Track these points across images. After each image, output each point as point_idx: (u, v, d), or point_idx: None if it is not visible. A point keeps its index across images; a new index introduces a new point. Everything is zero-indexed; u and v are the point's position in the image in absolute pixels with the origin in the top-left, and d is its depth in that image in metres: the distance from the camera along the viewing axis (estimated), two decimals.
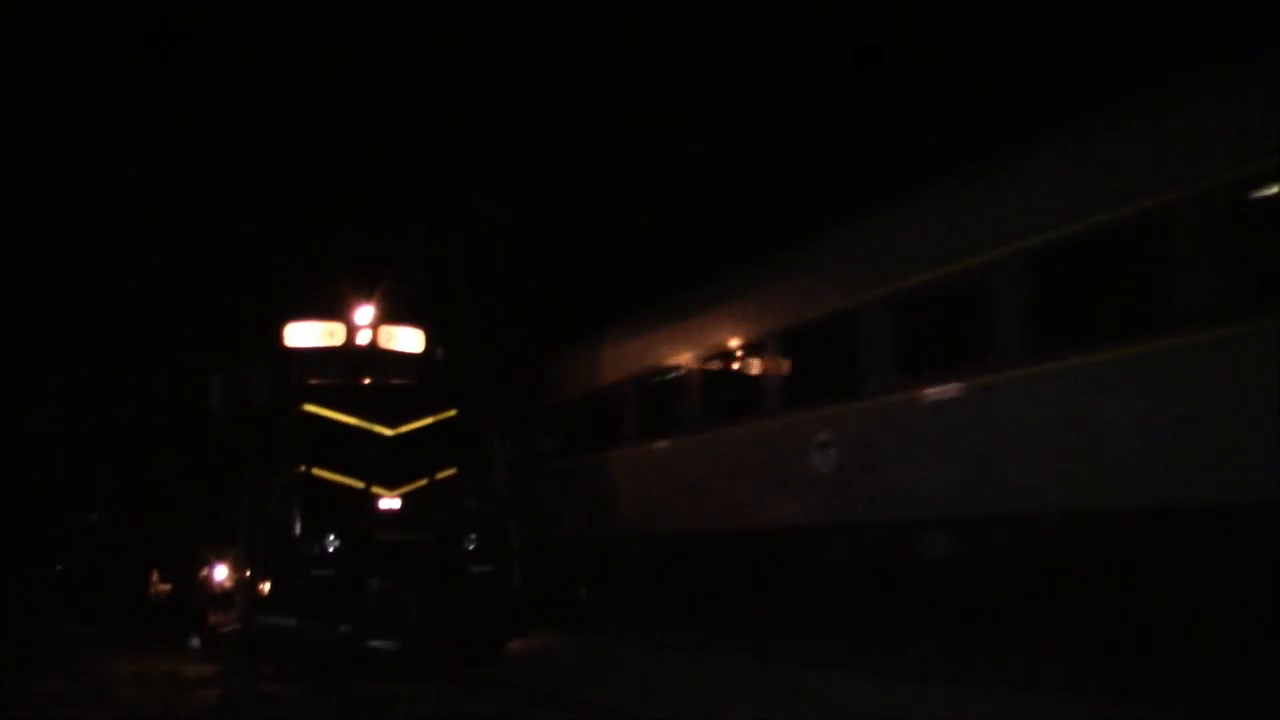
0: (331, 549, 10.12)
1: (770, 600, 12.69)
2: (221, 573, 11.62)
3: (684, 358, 14.32)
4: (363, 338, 11.94)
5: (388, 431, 10.97)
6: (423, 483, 10.77)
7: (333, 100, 32.06)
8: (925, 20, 23.04)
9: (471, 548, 10.63)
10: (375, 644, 9.85)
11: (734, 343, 13.42)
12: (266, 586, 10.28)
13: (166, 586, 14.24)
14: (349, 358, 11.88)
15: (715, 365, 13.81)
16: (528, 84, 31.78)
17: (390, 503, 10.55)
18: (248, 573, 10.65)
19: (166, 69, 30.03)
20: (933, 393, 10.33)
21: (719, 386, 13.81)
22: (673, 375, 14.60)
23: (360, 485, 10.48)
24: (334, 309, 11.94)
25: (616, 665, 10.33)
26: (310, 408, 11.03)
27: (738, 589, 13.29)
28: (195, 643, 12.49)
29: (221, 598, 11.55)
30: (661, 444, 14.74)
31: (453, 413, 11.59)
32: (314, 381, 11.52)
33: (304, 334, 11.85)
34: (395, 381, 12.10)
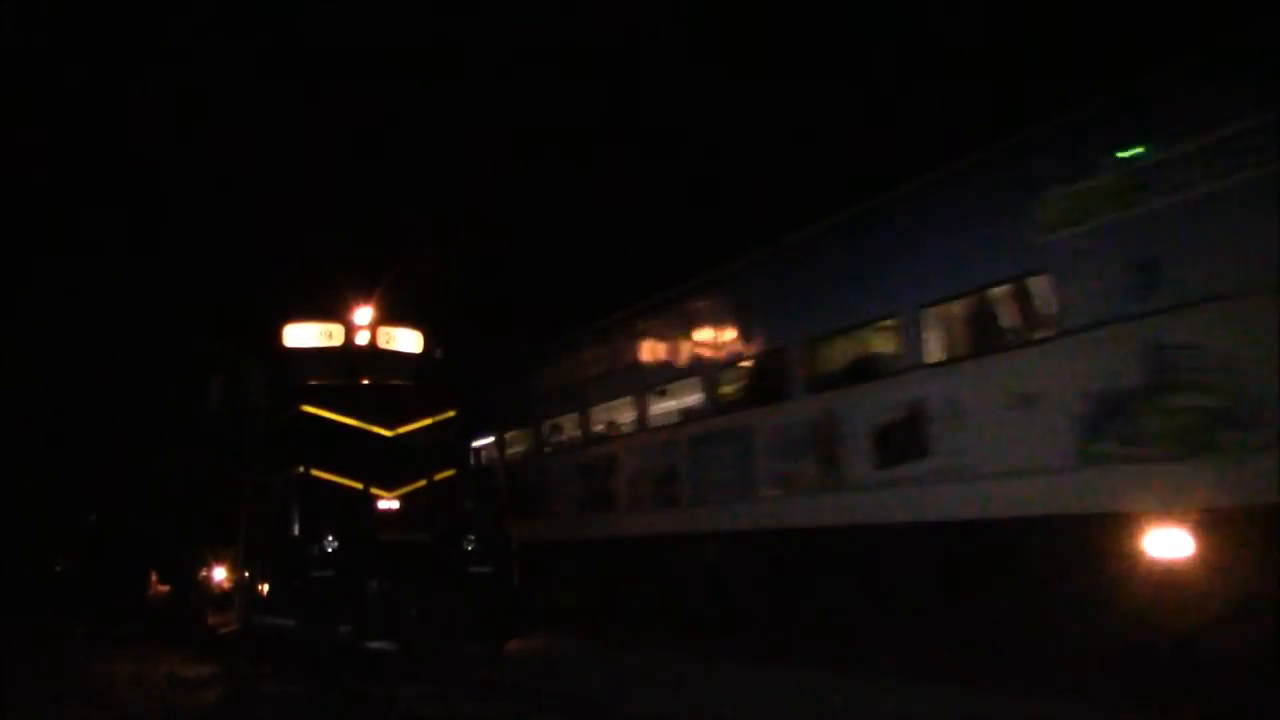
0: (331, 550, 10.13)
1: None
2: (220, 573, 11.63)
3: None
4: (361, 338, 11.95)
5: (386, 432, 10.99)
6: (421, 484, 10.78)
7: (334, 103, 32.12)
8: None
9: (470, 548, 10.64)
10: (375, 644, 9.86)
11: None
12: (266, 587, 10.30)
13: (165, 587, 14.25)
14: (347, 358, 11.88)
15: None
16: (527, 86, 31.85)
17: (389, 503, 10.56)
18: (247, 573, 10.67)
19: (168, 70, 30.10)
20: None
21: None
22: None
23: (359, 486, 10.49)
24: (333, 310, 11.95)
25: (616, 665, 10.34)
26: (309, 408, 11.04)
27: None
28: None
29: (220, 598, 11.56)
30: None
31: (451, 413, 11.60)
32: (313, 382, 11.52)
33: (303, 335, 11.85)
34: (394, 382, 12.11)
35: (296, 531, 10.26)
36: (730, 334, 12.96)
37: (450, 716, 8.20)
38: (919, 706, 7.57)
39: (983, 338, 9.73)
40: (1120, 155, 8.40)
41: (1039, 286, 9.11)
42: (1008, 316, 9.60)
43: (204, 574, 12.05)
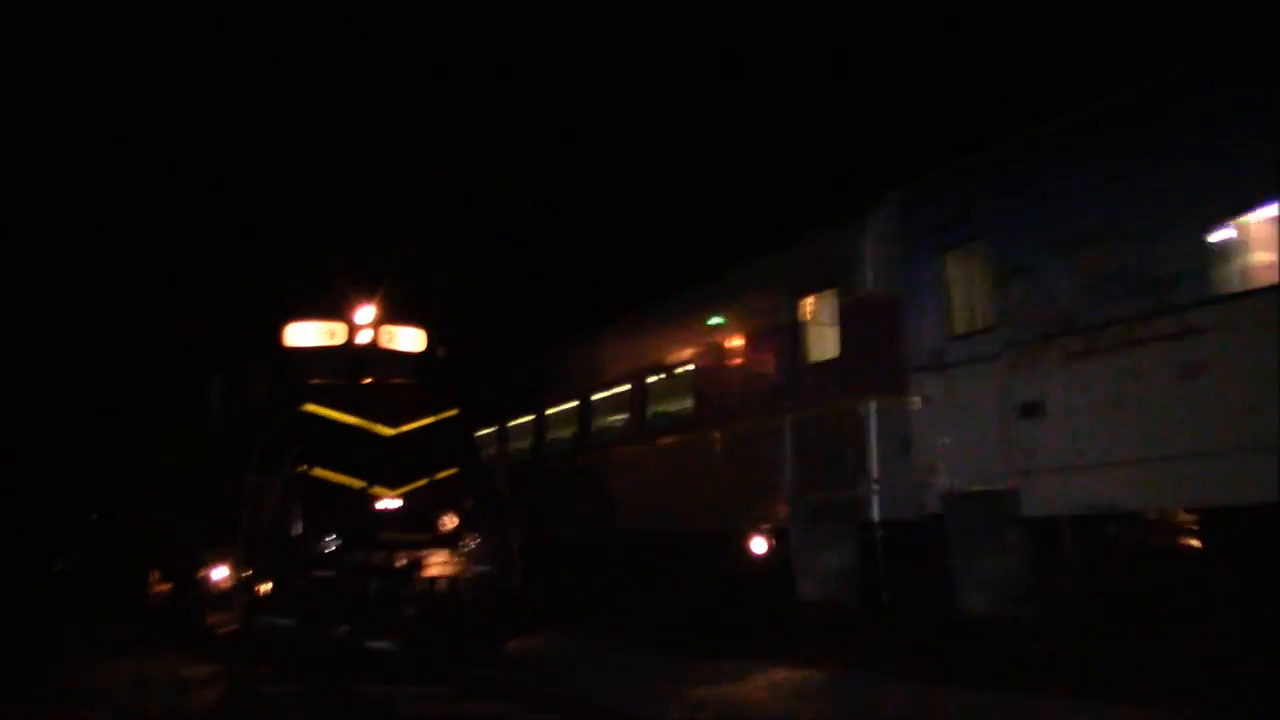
0: (331, 549, 10.10)
1: None
2: (221, 573, 11.59)
3: None
4: (363, 337, 11.92)
5: (388, 431, 10.96)
6: (423, 483, 10.75)
7: (334, 102, 32.12)
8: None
9: (471, 548, 10.62)
10: (375, 644, 9.83)
11: None
12: (266, 587, 10.26)
13: (166, 586, 14.22)
14: (349, 357, 11.85)
15: None
16: (526, 79, 31.87)
17: (390, 503, 10.54)
18: (247, 573, 10.63)
19: (167, 68, 30.10)
20: None
21: None
22: None
23: (360, 485, 10.46)
24: (334, 308, 11.92)
25: (616, 665, 10.31)
26: (310, 407, 11.01)
27: None
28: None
29: (221, 598, 11.52)
30: None
31: (453, 412, 11.57)
32: (314, 381, 11.49)
33: (304, 333, 11.82)
34: (396, 381, 12.08)
35: (297, 531, 10.23)
36: None
37: (450, 716, 8.18)
38: (917, 704, 7.53)
39: None
40: None
41: None
42: None
43: (204, 573, 12.00)
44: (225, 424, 12.26)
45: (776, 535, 11.04)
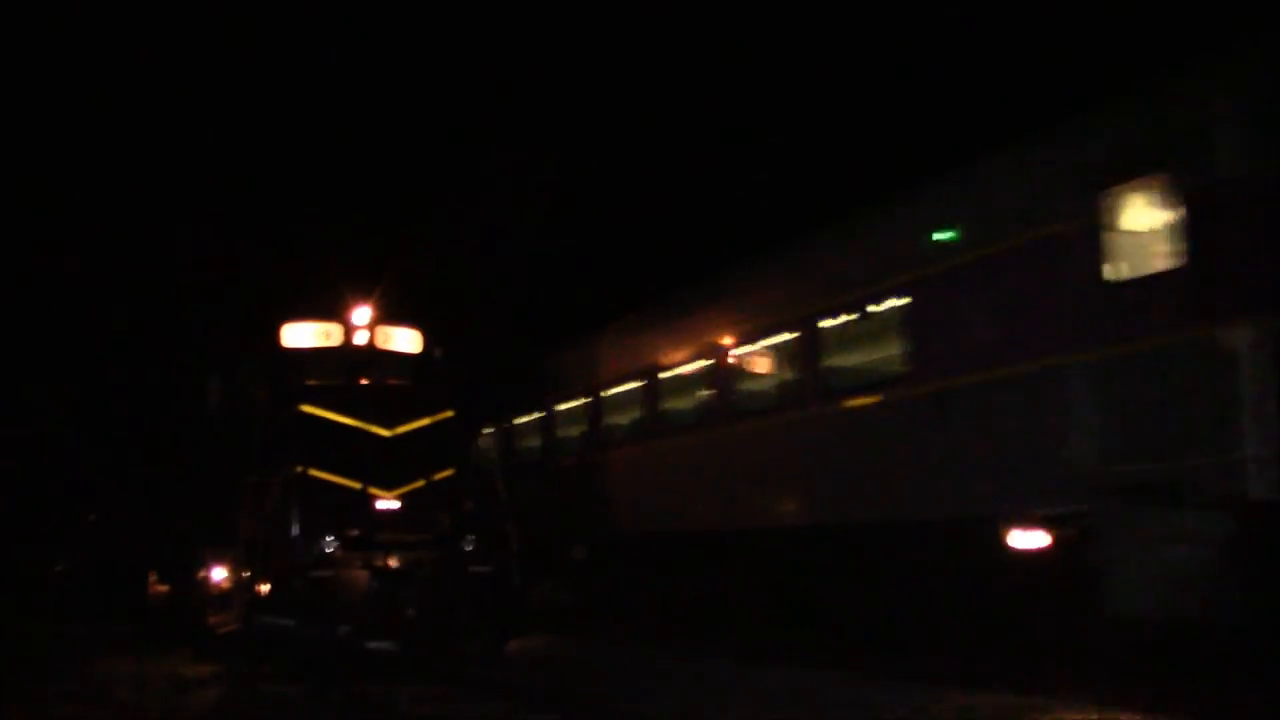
0: (330, 549, 10.14)
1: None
2: (220, 573, 11.63)
3: None
4: (360, 338, 11.94)
5: (385, 432, 10.99)
6: (420, 484, 10.78)
7: (335, 101, 32.12)
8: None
9: (470, 548, 10.65)
10: (374, 644, 9.87)
11: None
12: (265, 587, 10.30)
13: (166, 586, 14.25)
14: (346, 358, 11.87)
15: None
16: (528, 80, 31.87)
17: (388, 503, 10.57)
18: (247, 573, 10.67)
19: (165, 65, 30.07)
20: None
21: None
22: None
23: (358, 486, 10.49)
24: (332, 309, 11.94)
25: (615, 665, 10.34)
26: (308, 408, 11.04)
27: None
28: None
29: (220, 598, 11.56)
30: None
31: (450, 414, 11.60)
32: (312, 382, 11.51)
33: (301, 334, 11.84)
34: (393, 382, 12.10)
35: (296, 531, 10.27)
36: None
37: (450, 716, 8.20)
38: (915, 704, 7.56)
39: None
40: None
41: None
42: None
43: (204, 574, 12.04)
44: (223, 424, 12.28)
45: (1061, 523, 8.15)
